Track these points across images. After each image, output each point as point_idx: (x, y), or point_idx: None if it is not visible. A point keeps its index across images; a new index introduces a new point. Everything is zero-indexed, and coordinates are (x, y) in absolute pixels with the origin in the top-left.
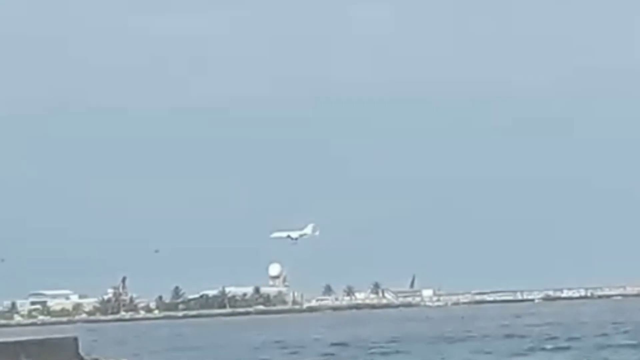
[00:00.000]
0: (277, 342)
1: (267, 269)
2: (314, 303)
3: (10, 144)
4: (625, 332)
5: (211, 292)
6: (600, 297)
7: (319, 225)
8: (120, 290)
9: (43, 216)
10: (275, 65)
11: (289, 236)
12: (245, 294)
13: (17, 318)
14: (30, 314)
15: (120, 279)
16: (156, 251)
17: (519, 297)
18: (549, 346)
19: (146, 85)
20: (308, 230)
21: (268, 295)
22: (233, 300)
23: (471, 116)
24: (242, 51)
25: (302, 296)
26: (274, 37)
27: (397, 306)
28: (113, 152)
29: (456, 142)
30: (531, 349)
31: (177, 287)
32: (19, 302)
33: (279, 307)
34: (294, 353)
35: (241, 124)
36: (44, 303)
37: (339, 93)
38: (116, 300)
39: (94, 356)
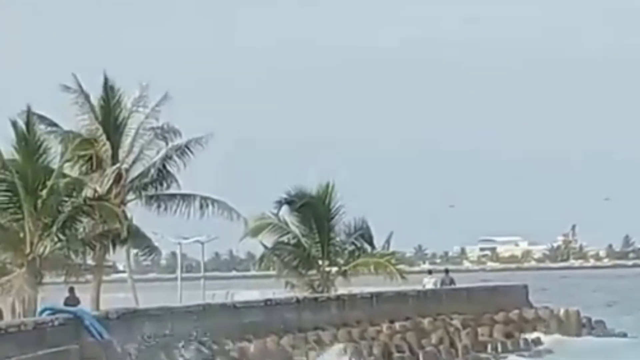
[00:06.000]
0: None
1: None
2: None
3: None
4: None
5: None
6: None
7: None
8: (570, 238)
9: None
10: None
11: None
12: None
13: (466, 264)
14: (479, 260)
15: (570, 226)
16: (606, 199)
17: None
18: None
19: None
20: None
21: None
22: None
23: None
24: None
25: None
26: None
27: None
28: None
29: None
30: None
31: (627, 236)
32: (468, 248)
33: None
34: None
35: None
36: (493, 249)
37: None
38: (565, 247)
39: (544, 304)
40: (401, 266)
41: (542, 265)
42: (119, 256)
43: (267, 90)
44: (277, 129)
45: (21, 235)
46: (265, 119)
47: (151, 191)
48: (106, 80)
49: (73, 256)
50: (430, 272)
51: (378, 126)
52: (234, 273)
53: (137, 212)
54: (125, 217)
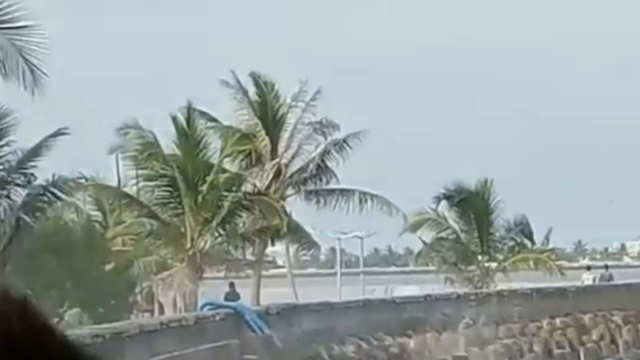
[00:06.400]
0: None
1: None
2: None
3: None
4: None
5: None
6: None
7: None
8: None
9: None
10: None
11: None
12: None
13: (627, 259)
14: (639, 255)
15: None
16: None
17: None
18: None
19: None
20: None
21: None
22: None
23: None
24: None
25: None
26: None
27: None
28: None
29: None
30: None
31: None
32: (628, 244)
33: None
34: None
35: None
36: None
37: None
38: None
39: None
40: (560, 262)
41: None
42: (278, 251)
43: None
44: None
45: (182, 230)
46: None
47: (310, 186)
48: (256, 76)
49: (233, 251)
50: (589, 267)
51: None
52: (392, 268)
53: (296, 207)
54: (285, 212)
